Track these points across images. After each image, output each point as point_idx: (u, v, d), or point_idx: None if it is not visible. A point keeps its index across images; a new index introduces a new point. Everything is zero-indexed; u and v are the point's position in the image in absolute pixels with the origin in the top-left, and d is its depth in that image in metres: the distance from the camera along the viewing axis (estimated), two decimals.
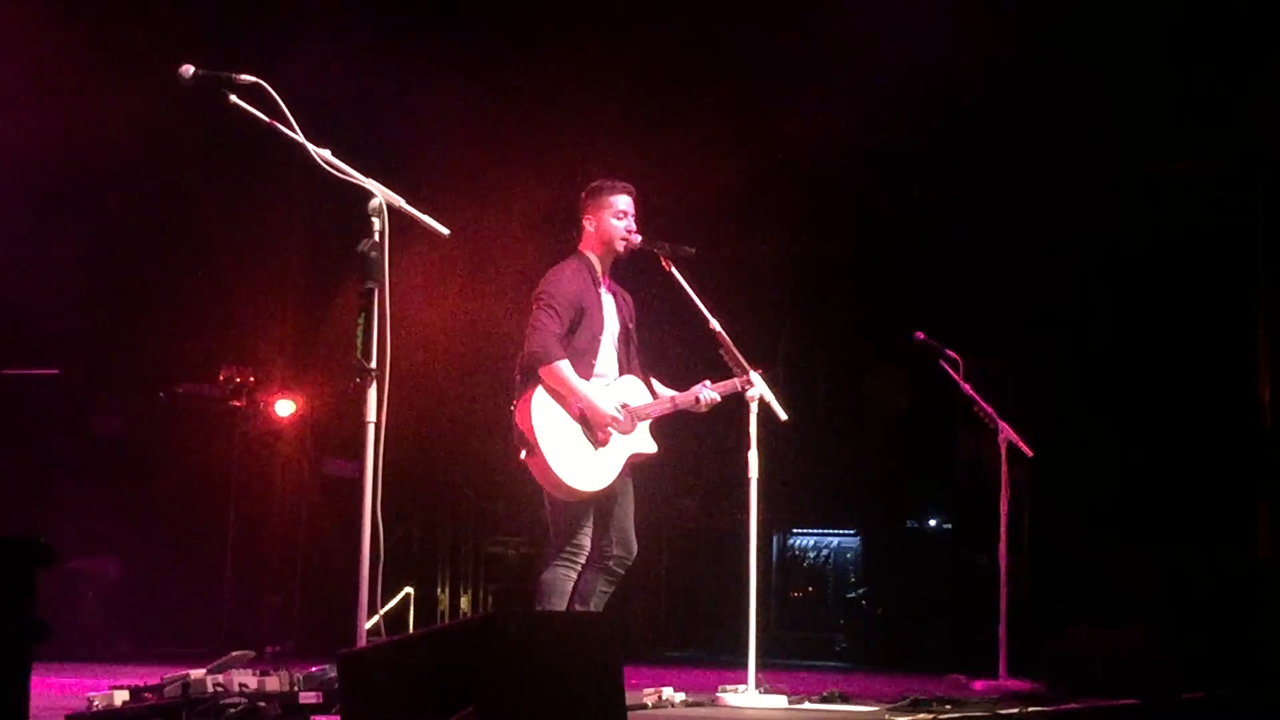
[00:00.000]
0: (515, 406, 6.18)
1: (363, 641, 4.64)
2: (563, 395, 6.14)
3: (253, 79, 4.76)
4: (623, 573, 6.36)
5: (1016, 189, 10.54)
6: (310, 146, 4.82)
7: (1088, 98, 9.92)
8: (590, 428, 6.18)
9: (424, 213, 5.02)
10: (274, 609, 10.16)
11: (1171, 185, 10.56)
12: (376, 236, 4.81)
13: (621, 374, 6.40)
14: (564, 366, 6.13)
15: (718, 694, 6.39)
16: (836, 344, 11.77)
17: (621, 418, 6.23)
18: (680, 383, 6.51)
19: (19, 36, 8.61)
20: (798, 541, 11.31)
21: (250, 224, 10.37)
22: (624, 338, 6.45)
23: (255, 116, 4.76)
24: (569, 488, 6.11)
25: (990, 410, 7.99)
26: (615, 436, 6.23)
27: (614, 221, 6.38)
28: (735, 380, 6.45)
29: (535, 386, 6.14)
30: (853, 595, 11.10)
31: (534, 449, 6.06)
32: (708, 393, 6.41)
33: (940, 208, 10.77)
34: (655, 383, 6.50)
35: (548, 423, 6.10)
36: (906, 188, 10.78)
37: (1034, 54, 9.49)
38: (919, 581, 10.77)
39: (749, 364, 6.45)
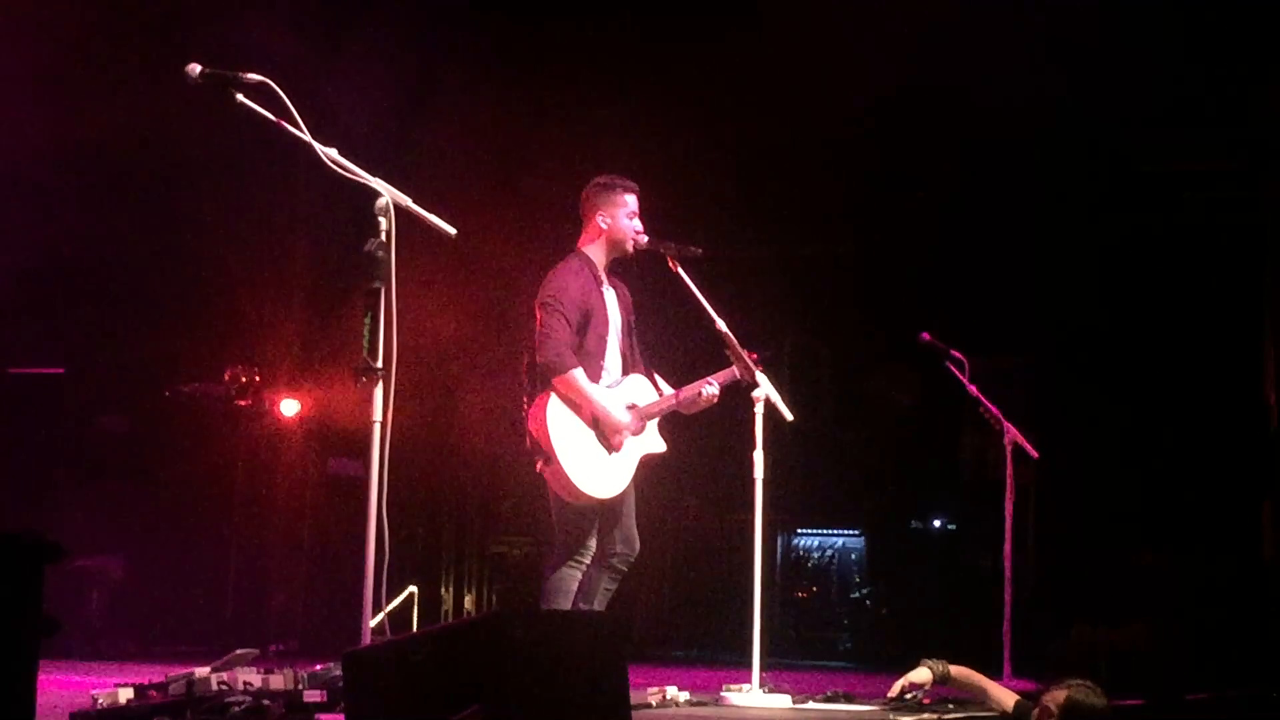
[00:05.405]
0: (528, 412, 6.17)
1: (367, 640, 4.64)
2: (576, 404, 6.12)
3: (259, 78, 4.74)
4: (626, 569, 6.36)
5: (1024, 187, 10.53)
6: (317, 145, 4.80)
7: (1096, 95, 9.91)
8: (604, 433, 6.17)
9: (430, 212, 5.01)
10: (279, 607, 10.16)
11: (1180, 184, 10.55)
12: (383, 236, 4.81)
13: (626, 371, 6.38)
14: (578, 376, 6.09)
15: (722, 693, 6.36)
16: (842, 344, 11.76)
17: (634, 426, 6.23)
18: (682, 382, 6.48)
19: (22, 35, 8.61)
20: (802, 541, 11.30)
21: (256, 223, 10.37)
22: (626, 332, 6.42)
23: (262, 115, 4.76)
24: (586, 495, 6.10)
25: (996, 411, 7.96)
26: (628, 440, 6.23)
27: (627, 221, 6.35)
28: (733, 368, 6.40)
29: (548, 394, 6.10)
30: (857, 595, 11.09)
31: (551, 458, 6.04)
32: (710, 388, 6.36)
33: (947, 206, 10.76)
34: (658, 378, 6.48)
35: (563, 431, 6.07)
36: (914, 187, 10.78)
37: (1043, 50, 9.48)
38: (923, 582, 10.77)
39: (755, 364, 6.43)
